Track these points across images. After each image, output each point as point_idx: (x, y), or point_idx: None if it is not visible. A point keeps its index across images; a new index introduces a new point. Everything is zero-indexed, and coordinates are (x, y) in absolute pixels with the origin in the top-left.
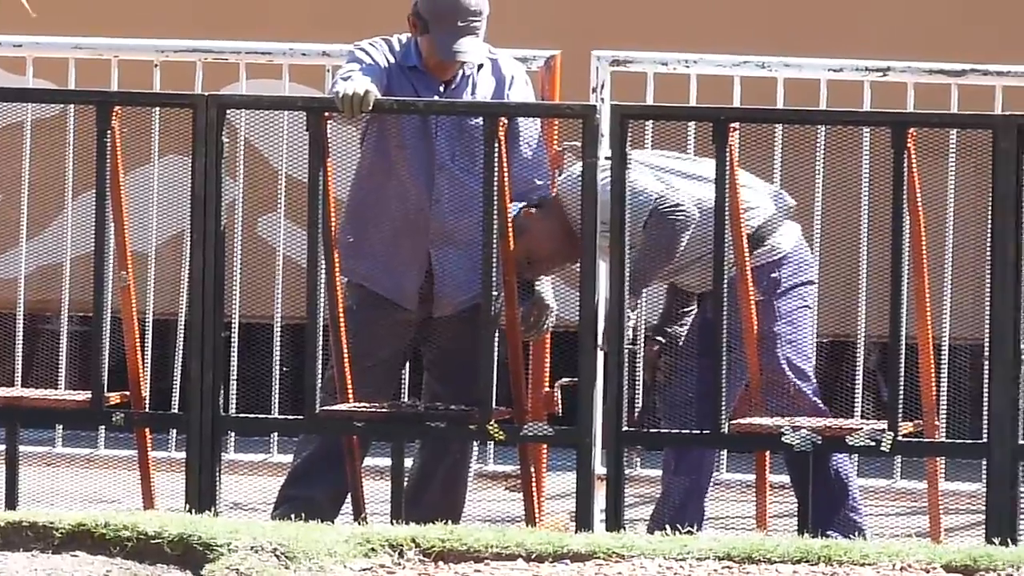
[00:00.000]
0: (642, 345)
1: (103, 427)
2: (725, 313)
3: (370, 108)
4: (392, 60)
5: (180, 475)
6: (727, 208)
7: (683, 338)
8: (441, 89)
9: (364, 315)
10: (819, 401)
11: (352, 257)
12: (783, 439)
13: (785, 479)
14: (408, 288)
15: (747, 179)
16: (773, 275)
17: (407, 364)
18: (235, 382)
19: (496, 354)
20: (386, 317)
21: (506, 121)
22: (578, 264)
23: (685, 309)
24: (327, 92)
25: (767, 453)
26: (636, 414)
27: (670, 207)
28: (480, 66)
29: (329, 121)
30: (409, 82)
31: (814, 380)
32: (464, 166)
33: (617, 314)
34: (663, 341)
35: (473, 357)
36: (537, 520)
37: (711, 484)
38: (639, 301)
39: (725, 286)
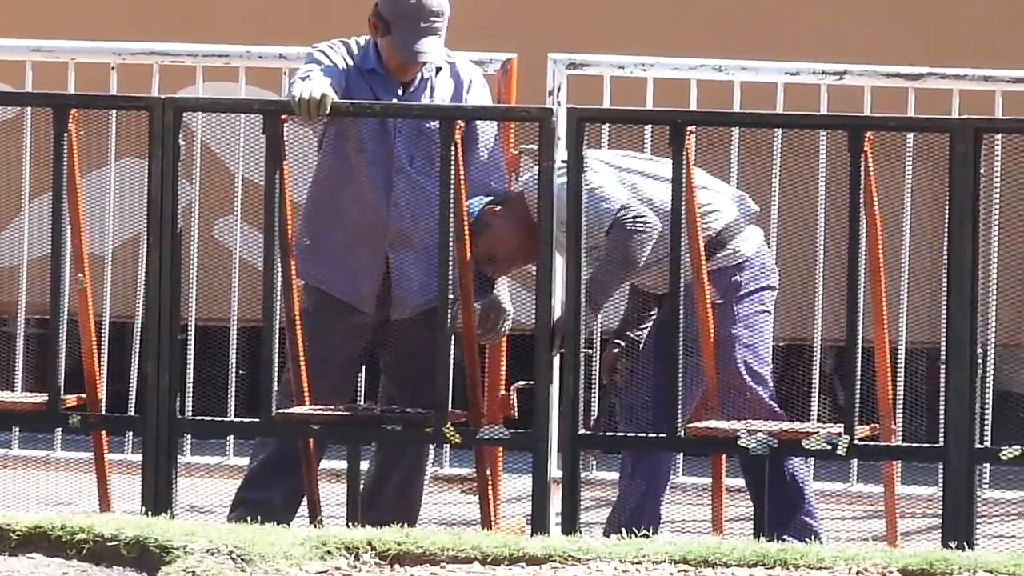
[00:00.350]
0: (598, 348)
1: (59, 429)
2: (682, 316)
3: (327, 112)
4: (350, 62)
5: (136, 478)
6: (684, 211)
7: (643, 341)
8: (400, 92)
9: (321, 318)
10: (775, 406)
11: (309, 260)
12: (739, 443)
13: (741, 483)
14: (365, 291)
15: (711, 182)
16: (734, 278)
17: (363, 367)
18: (191, 385)
19: (452, 357)
20: (343, 320)
21: (463, 124)
22: (534, 266)
23: (646, 313)
24: (285, 94)
25: (723, 457)
26: (594, 417)
27: (632, 218)
28: (439, 69)
29: (286, 124)
30: (367, 85)
31: (771, 385)
32: (422, 169)
33: (573, 317)
34: (622, 344)
35: (429, 360)
36: (493, 523)
37: (667, 488)
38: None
39: (682, 289)
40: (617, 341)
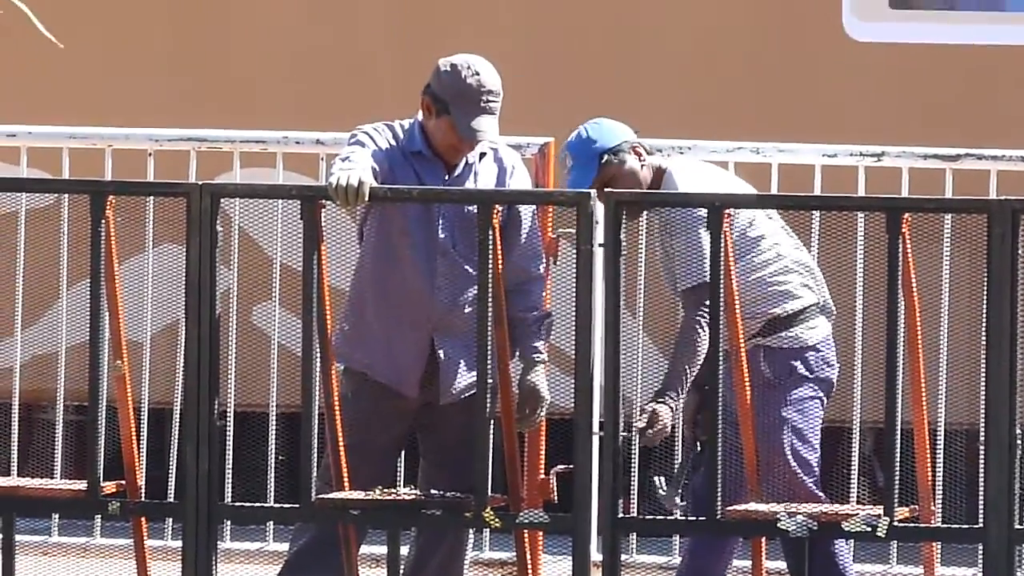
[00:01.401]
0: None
1: (99, 516)
2: (721, 396)
3: (366, 199)
4: (394, 145)
5: (176, 564)
6: (722, 292)
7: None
8: (445, 176)
9: (361, 403)
10: (820, 492)
11: (351, 344)
12: (779, 525)
13: (781, 565)
14: (410, 375)
15: (809, 262)
16: (792, 362)
17: (402, 451)
18: (231, 470)
19: (492, 441)
20: (384, 405)
21: (503, 209)
22: (572, 349)
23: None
24: (323, 179)
25: (763, 539)
26: (675, 471)
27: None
28: (482, 155)
29: (324, 209)
30: (412, 168)
31: (817, 472)
32: (465, 254)
33: (613, 399)
34: (705, 389)
35: (470, 444)
36: None
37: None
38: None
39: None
40: (703, 388)
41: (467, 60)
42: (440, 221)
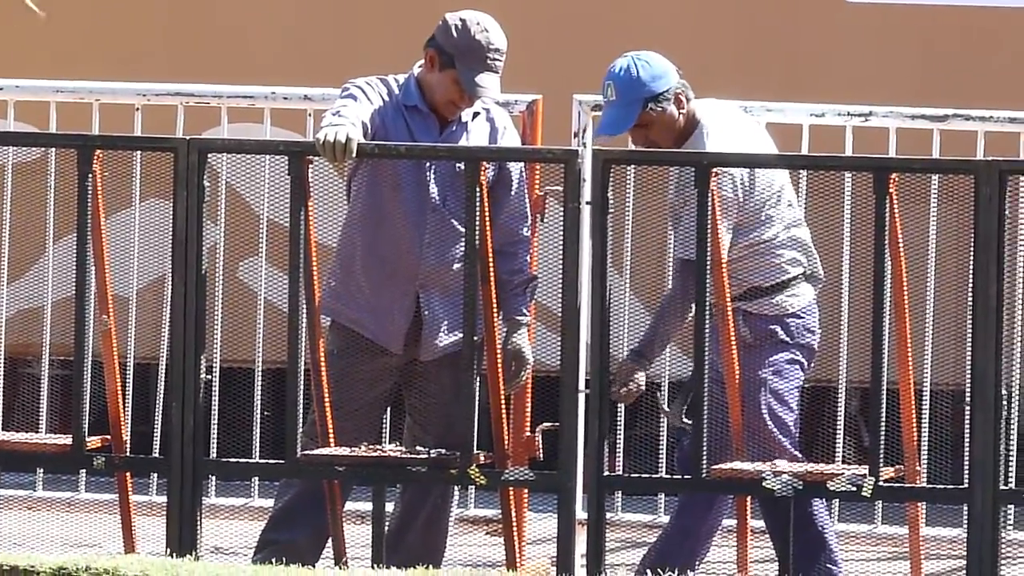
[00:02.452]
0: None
1: (84, 471)
2: (708, 356)
3: (353, 154)
4: (388, 99)
5: (161, 519)
6: (708, 250)
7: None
8: (438, 133)
9: (347, 360)
10: (797, 453)
11: (338, 299)
12: (764, 484)
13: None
14: (395, 331)
15: (805, 238)
16: (772, 327)
17: (388, 408)
18: (216, 426)
19: (477, 399)
20: (370, 361)
21: (492, 169)
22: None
23: None
24: (310, 135)
25: (748, 498)
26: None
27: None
28: (475, 114)
29: (311, 165)
30: (405, 122)
31: (794, 432)
32: (455, 211)
33: (599, 357)
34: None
35: (455, 402)
36: (518, 565)
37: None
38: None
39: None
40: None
41: (477, 17)
42: (431, 178)
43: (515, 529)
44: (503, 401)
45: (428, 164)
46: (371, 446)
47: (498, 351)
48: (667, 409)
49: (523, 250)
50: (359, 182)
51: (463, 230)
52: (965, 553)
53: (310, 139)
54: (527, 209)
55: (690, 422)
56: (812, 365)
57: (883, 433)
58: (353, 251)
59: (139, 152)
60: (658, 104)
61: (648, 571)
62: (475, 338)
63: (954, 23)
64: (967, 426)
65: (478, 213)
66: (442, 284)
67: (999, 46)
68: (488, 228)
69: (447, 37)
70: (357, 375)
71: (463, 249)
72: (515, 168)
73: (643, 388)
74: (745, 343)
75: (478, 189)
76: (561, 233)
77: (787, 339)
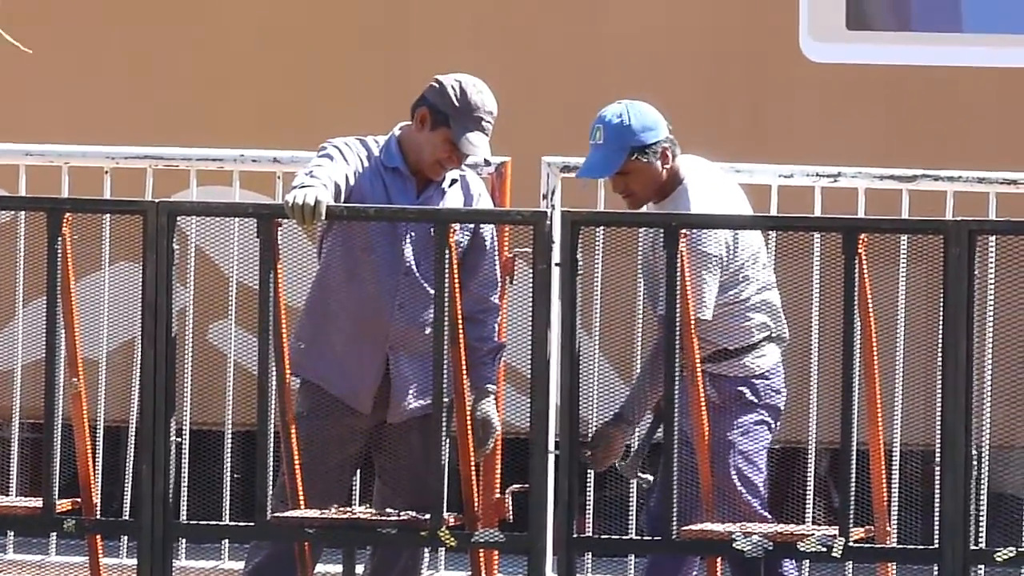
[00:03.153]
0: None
1: (54, 534)
2: (677, 417)
3: (322, 217)
4: (366, 160)
5: None
6: (678, 312)
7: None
8: (416, 196)
9: (317, 421)
10: (766, 513)
11: (309, 357)
12: (734, 545)
13: None
14: (363, 391)
15: (775, 302)
16: (739, 388)
17: (357, 470)
18: (186, 488)
19: (447, 461)
20: (339, 422)
21: (466, 238)
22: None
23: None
24: (279, 197)
25: (719, 559)
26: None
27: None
28: (453, 181)
29: (280, 227)
30: (383, 183)
31: (763, 493)
32: (427, 274)
33: (569, 418)
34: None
35: (424, 464)
36: None
37: None
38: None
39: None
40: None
41: (472, 80)
42: (406, 240)
43: None
44: (473, 463)
45: (404, 227)
46: (341, 508)
47: (467, 412)
48: (622, 464)
49: (492, 318)
50: (331, 242)
51: (432, 292)
52: None
53: (279, 201)
54: (498, 277)
55: (648, 476)
56: (779, 425)
57: (853, 493)
58: (324, 310)
59: (108, 215)
60: (644, 155)
61: None
62: (444, 400)
63: (920, 82)
64: (937, 486)
65: (447, 274)
66: (412, 347)
67: (967, 105)
68: (459, 294)
69: (442, 98)
70: (326, 436)
71: (433, 314)
72: (487, 236)
73: (618, 453)
74: (712, 404)
75: (447, 251)
76: (531, 294)
77: (754, 400)
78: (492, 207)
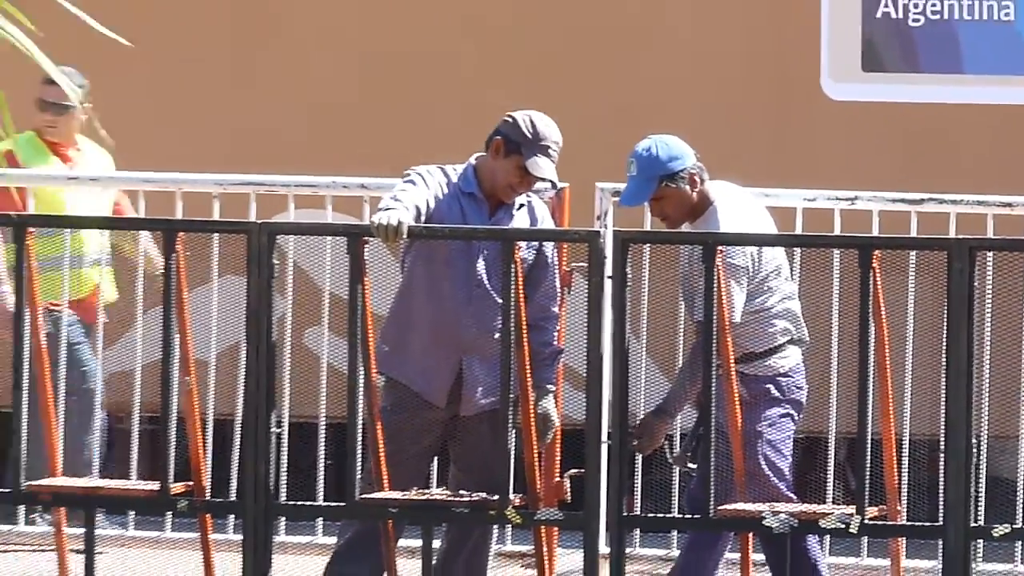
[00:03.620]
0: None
1: (170, 513)
2: (714, 412)
3: (404, 236)
4: (445, 186)
5: (237, 555)
6: (715, 321)
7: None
8: (489, 217)
9: (399, 415)
10: (792, 495)
11: (392, 359)
12: (764, 522)
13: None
14: (440, 388)
15: (796, 310)
16: (766, 386)
17: (434, 457)
18: (285, 473)
19: (513, 449)
20: (418, 415)
21: (531, 256)
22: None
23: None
24: (367, 219)
25: (750, 535)
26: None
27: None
28: (520, 206)
29: (367, 245)
30: (460, 206)
31: (788, 477)
32: (497, 287)
33: (619, 412)
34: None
35: (493, 452)
36: None
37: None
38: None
39: (714, 388)
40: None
41: (540, 114)
42: (479, 257)
43: (546, 563)
44: (535, 452)
45: (478, 245)
46: (420, 490)
47: (531, 406)
48: (672, 456)
49: (552, 326)
50: (413, 258)
51: (501, 302)
52: None
53: (366, 222)
54: (558, 290)
55: (694, 465)
56: (802, 417)
57: (868, 477)
58: (407, 318)
59: (217, 234)
60: (673, 182)
61: None
62: (510, 396)
63: (926, 117)
64: (941, 471)
65: (513, 286)
66: (482, 350)
67: (969, 138)
68: (523, 304)
69: (514, 129)
70: (407, 428)
71: (501, 320)
72: (549, 253)
73: (662, 441)
74: (743, 400)
75: (513, 266)
76: (586, 304)
77: (779, 395)
78: (553, 227)
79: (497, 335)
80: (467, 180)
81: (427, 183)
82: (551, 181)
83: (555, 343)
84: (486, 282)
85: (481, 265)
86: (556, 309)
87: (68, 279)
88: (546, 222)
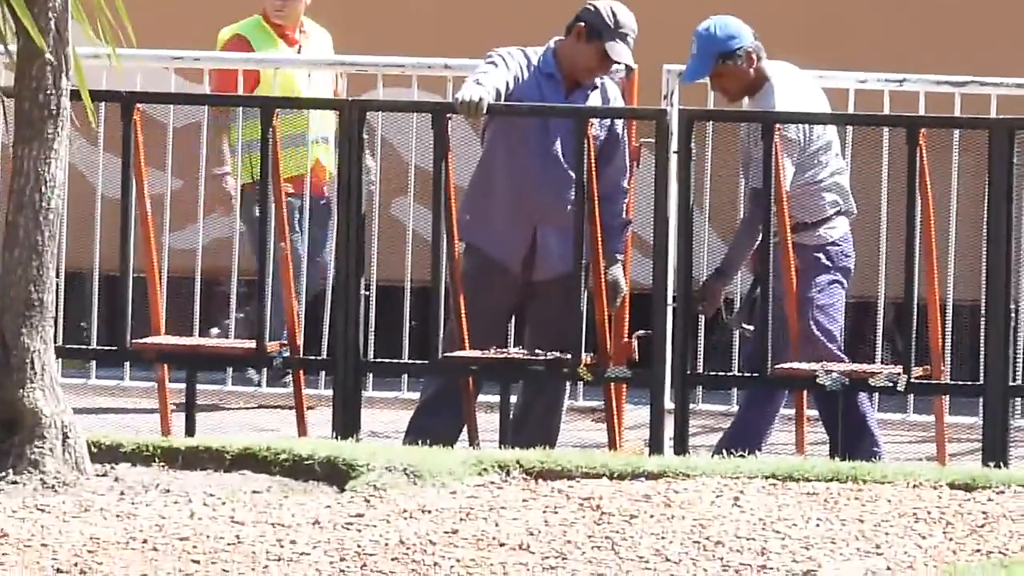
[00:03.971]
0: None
1: (266, 369)
2: (771, 276)
3: (483, 112)
4: (524, 66)
5: (328, 409)
6: (772, 196)
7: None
8: (564, 96)
9: (478, 278)
10: (842, 355)
11: (472, 227)
12: (817, 380)
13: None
14: (516, 254)
15: (844, 183)
16: (816, 255)
17: (512, 318)
18: (373, 333)
19: (585, 312)
20: (496, 278)
21: (604, 133)
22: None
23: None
24: (450, 97)
25: (804, 392)
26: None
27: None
28: (594, 87)
29: (451, 121)
30: (538, 86)
31: (839, 339)
32: (571, 161)
33: (684, 278)
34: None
35: (566, 314)
36: (618, 446)
37: (773, 422)
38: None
39: (772, 256)
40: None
41: (619, 4)
42: (555, 133)
43: (615, 417)
44: (606, 315)
45: (554, 122)
46: (499, 349)
47: (602, 272)
48: (729, 318)
49: (622, 198)
50: (492, 133)
51: (575, 176)
52: (981, 437)
53: (450, 100)
54: (627, 165)
55: (749, 327)
56: (852, 282)
57: (914, 339)
58: (486, 189)
59: (311, 111)
60: (731, 59)
61: (724, 451)
62: (583, 261)
63: (972, 4)
64: (982, 333)
65: (585, 160)
66: (556, 220)
67: (1007, 22)
68: (595, 177)
69: (596, 17)
70: (486, 290)
71: (574, 192)
72: (619, 131)
73: (720, 302)
74: (795, 268)
75: (585, 140)
76: (654, 177)
77: (828, 264)
78: (622, 106)
79: (570, 206)
80: (546, 61)
81: (507, 64)
82: (627, 65)
83: (624, 215)
84: (560, 157)
85: (556, 141)
86: (626, 184)
87: (310, 154)
88: (618, 102)
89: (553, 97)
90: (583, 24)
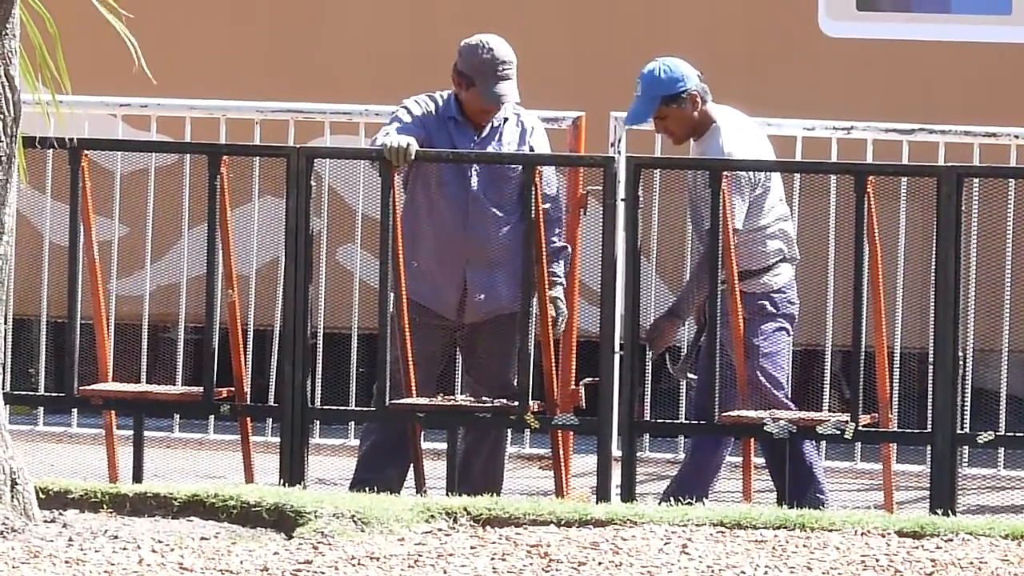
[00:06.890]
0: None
1: (212, 416)
2: (718, 324)
3: (412, 158)
4: (434, 112)
5: (275, 456)
6: (720, 243)
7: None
8: (475, 138)
9: (418, 328)
10: (789, 403)
11: (405, 274)
12: (765, 428)
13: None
14: (448, 301)
15: (789, 230)
16: (760, 302)
17: (445, 365)
18: (320, 380)
19: (531, 358)
20: (428, 326)
21: (516, 147)
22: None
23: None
24: (375, 138)
25: (751, 439)
26: (681, 360)
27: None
28: (506, 119)
29: (370, 168)
30: (447, 131)
31: (786, 386)
32: (494, 200)
33: (631, 325)
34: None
35: (505, 355)
36: (565, 493)
37: (718, 470)
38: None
39: (719, 305)
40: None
41: (481, 39)
42: (472, 174)
43: (563, 465)
44: (553, 360)
45: (470, 165)
46: (446, 397)
47: (549, 314)
48: (674, 368)
49: (555, 224)
50: (412, 181)
51: (501, 215)
52: (928, 485)
53: (373, 147)
54: (556, 191)
55: (693, 376)
56: (801, 331)
57: (861, 387)
58: (412, 239)
59: (258, 158)
60: (675, 101)
61: (670, 499)
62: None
63: (917, 53)
64: (930, 381)
65: (533, 206)
66: (485, 261)
67: (955, 73)
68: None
69: (463, 62)
70: (426, 338)
71: (501, 230)
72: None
73: (671, 341)
74: (744, 317)
75: (534, 188)
76: (601, 224)
77: (773, 311)
78: (545, 136)
79: (498, 244)
80: (449, 106)
81: (414, 114)
82: (514, 101)
83: (560, 241)
84: (483, 196)
85: (475, 182)
86: (555, 212)
87: None
88: (537, 131)
89: (463, 140)
90: (458, 75)
